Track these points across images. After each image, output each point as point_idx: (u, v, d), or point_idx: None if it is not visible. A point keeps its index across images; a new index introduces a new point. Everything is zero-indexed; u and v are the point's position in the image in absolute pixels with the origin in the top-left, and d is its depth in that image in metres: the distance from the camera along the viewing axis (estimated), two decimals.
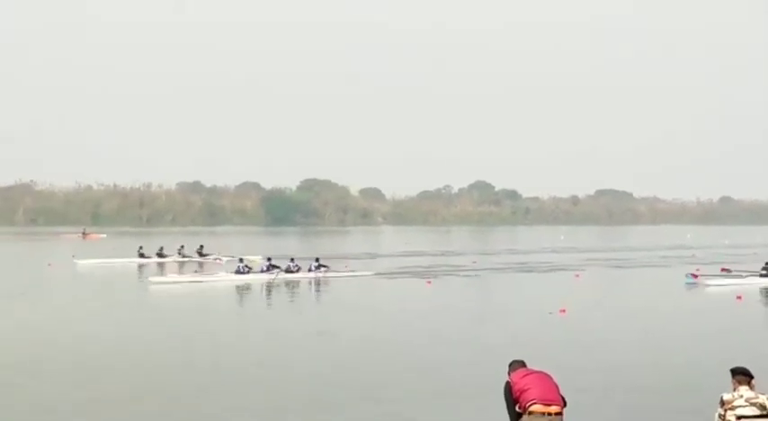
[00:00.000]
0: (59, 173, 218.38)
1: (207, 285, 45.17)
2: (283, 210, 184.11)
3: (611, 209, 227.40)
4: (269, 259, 49.81)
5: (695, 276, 46.34)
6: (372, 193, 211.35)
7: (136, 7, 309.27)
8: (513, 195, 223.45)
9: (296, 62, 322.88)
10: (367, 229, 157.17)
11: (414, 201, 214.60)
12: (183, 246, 66.07)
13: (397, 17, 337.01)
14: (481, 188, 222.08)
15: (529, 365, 11.65)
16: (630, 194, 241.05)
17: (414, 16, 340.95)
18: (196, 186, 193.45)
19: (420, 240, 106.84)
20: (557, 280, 51.23)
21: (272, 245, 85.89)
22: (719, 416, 11.19)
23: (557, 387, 11.15)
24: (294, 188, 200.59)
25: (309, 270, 49.51)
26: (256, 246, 79.78)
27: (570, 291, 42.82)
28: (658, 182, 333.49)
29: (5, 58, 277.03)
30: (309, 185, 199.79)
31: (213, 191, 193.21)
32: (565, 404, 11.08)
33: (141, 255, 63.09)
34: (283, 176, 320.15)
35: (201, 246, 66.79)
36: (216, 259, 62.18)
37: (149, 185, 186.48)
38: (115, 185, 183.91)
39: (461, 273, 53.93)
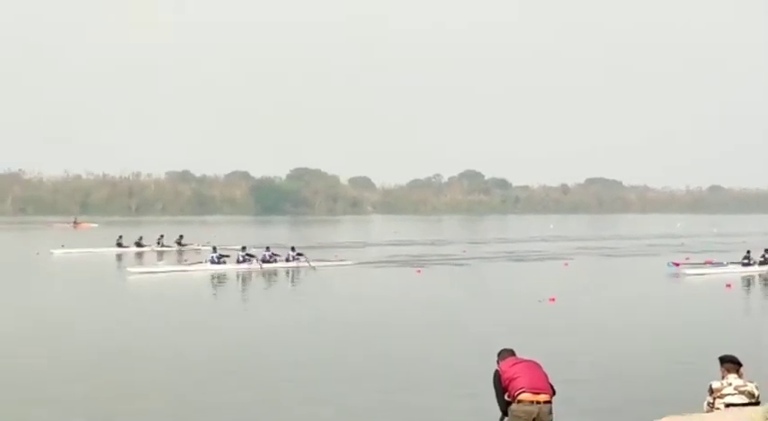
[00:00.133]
0: (48, 162, 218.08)
1: (183, 275, 44.66)
2: (273, 199, 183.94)
3: (601, 197, 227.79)
4: (243, 248, 49.22)
5: (677, 264, 46.41)
6: (362, 182, 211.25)
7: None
8: (502, 184, 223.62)
9: (285, 52, 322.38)
10: (357, 218, 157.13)
11: (403, 190, 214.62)
12: (162, 236, 65.57)
13: (395, 14, 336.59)
14: (471, 177, 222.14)
15: (518, 354, 11.63)
16: (620, 183, 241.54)
17: (412, 15, 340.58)
18: (185, 175, 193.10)
19: (410, 229, 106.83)
20: (546, 268, 51.30)
21: (260, 234, 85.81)
22: (708, 403, 11.19)
23: (545, 375, 11.14)
24: (284, 177, 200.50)
25: (287, 260, 48.94)
26: (245, 235, 79.57)
27: (559, 280, 42.88)
28: (648, 170, 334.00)
29: None
30: (299, 174, 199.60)
31: (202, 180, 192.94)
32: (554, 392, 11.07)
33: (119, 245, 62.65)
34: (273, 165, 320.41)
35: (181, 236, 66.16)
36: (196, 249, 61.79)
37: (138, 175, 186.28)
38: (104, 175, 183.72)
39: (451, 262, 53.95)
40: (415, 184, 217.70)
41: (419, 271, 46.85)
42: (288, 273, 46.48)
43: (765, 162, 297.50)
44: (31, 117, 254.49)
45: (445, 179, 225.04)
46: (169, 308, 32.19)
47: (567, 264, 52.16)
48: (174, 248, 63.59)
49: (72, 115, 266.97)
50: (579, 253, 62.76)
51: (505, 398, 11.01)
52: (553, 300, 32.51)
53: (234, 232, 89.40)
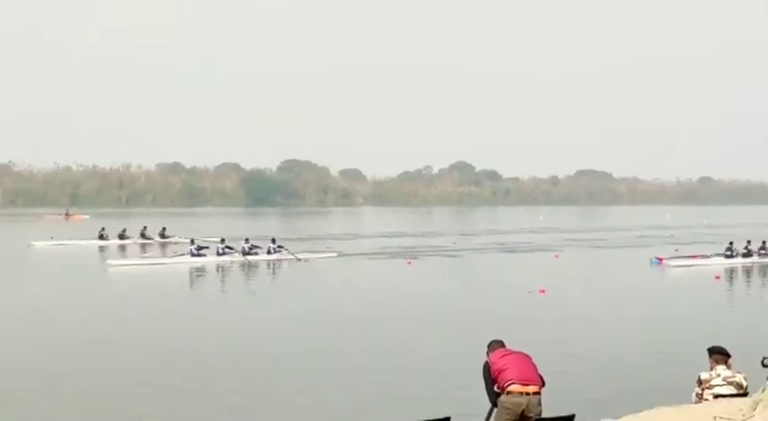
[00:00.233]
0: (38, 154, 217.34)
1: (163, 267, 44.45)
2: (263, 190, 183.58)
3: (591, 189, 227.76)
4: (223, 240, 48.72)
5: (660, 260, 46.30)
6: (353, 174, 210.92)
7: None
8: (493, 176, 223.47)
9: (275, 46, 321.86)
10: (347, 210, 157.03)
11: (394, 182, 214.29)
12: (145, 228, 65.03)
13: (384, 7, 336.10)
14: (462, 169, 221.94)
15: (508, 345, 11.64)
16: (610, 175, 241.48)
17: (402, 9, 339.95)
18: (175, 167, 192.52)
19: (400, 221, 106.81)
20: (536, 260, 51.39)
21: (250, 226, 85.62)
22: (697, 394, 11.23)
23: (535, 367, 11.16)
24: (274, 169, 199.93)
25: (269, 252, 48.50)
26: (234, 227, 79.40)
27: (549, 271, 42.98)
28: (638, 162, 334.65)
29: None
30: (289, 166, 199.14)
31: (193, 172, 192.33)
32: (543, 384, 11.09)
33: (102, 237, 62.24)
34: (263, 157, 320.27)
35: (164, 228, 65.62)
36: (179, 241, 61.26)
37: (129, 166, 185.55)
38: (94, 166, 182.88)
39: (442, 254, 53.99)
40: (406, 176, 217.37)
41: (410, 262, 46.89)
42: (269, 265, 46.22)
43: (755, 154, 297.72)
44: (21, 109, 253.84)
45: (436, 171, 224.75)
46: (148, 300, 32.02)
47: (557, 256, 52.26)
48: (157, 240, 63.10)
49: (62, 107, 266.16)
50: (569, 244, 62.87)
51: (495, 389, 11.02)
52: (543, 291, 32.59)
53: (224, 224, 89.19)
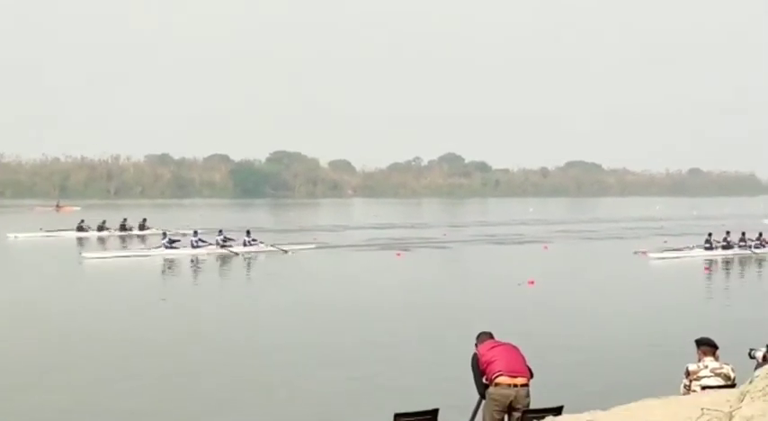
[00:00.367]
0: (26, 145, 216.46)
1: (137, 260, 43.86)
2: (252, 182, 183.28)
3: (581, 180, 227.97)
4: (195, 232, 48.28)
5: (644, 253, 46.22)
6: (342, 166, 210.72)
7: None
8: (483, 167, 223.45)
9: (265, 34, 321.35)
10: (337, 202, 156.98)
11: (384, 174, 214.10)
12: (125, 220, 64.29)
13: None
14: (451, 160, 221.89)
15: (497, 337, 11.63)
16: (600, 166, 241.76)
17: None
18: (164, 158, 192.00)
19: (390, 212, 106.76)
20: (525, 251, 51.45)
21: (238, 217, 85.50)
22: (685, 386, 11.23)
23: (523, 359, 11.15)
24: (263, 160, 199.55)
25: (244, 244, 47.85)
26: (222, 218, 79.17)
27: (539, 263, 43.04)
28: (628, 154, 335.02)
29: None
30: (279, 157, 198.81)
31: (182, 163, 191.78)
32: (531, 375, 11.09)
33: (81, 229, 61.82)
34: (252, 148, 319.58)
35: (144, 220, 64.59)
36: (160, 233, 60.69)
37: (117, 157, 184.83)
38: (83, 158, 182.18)
39: (431, 246, 54.00)
40: (396, 168, 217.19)
41: (399, 254, 46.87)
42: (243, 257, 45.62)
43: (744, 146, 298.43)
44: (8, 100, 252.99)
45: (425, 162, 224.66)
46: (119, 293, 31.63)
47: (546, 248, 52.32)
48: (136, 232, 62.37)
49: (50, 98, 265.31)
50: (558, 236, 62.96)
51: (483, 381, 11.02)
52: (532, 283, 32.63)
53: (212, 215, 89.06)
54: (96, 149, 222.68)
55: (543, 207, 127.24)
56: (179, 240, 47.69)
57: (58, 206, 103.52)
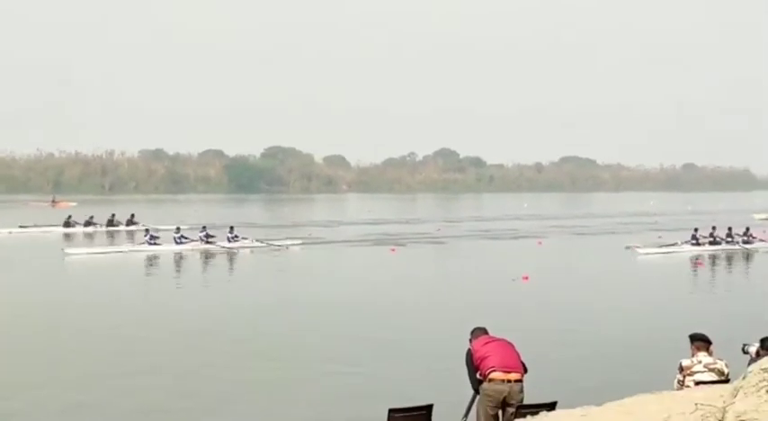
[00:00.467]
0: (20, 140, 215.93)
1: (119, 256, 43.33)
2: (247, 177, 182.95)
3: (575, 176, 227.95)
4: (178, 229, 47.61)
5: (636, 248, 46.20)
6: (337, 161, 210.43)
7: None
8: (477, 162, 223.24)
9: (258, 29, 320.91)
10: (331, 197, 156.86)
11: (378, 169, 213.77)
12: (113, 215, 63.64)
13: None
14: (446, 155, 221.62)
15: (491, 332, 11.64)
16: (594, 161, 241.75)
17: None
18: (159, 154, 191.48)
19: (384, 208, 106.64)
20: (520, 247, 51.43)
21: (233, 213, 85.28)
22: (678, 381, 11.26)
23: (517, 354, 11.17)
24: (258, 155, 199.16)
25: (228, 240, 47.22)
26: (216, 214, 79.08)
27: (533, 259, 43.05)
28: (622, 149, 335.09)
29: None
30: (273, 153, 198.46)
31: (176, 158, 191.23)
32: (525, 371, 11.10)
33: (67, 224, 61.24)
34: (247, 144, 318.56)
35: (132, 215, 63.86)
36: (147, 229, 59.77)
37: (112, 153, 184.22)
38: (77, 153, 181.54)
39: (426, 241, 54.00)
40: (390, 163, 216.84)
41: (393, 249, 46.85)
42: (227, 254, 45.09)
43: (738, 141, 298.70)
44: (2, 95, 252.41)
45: (420, 158, 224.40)
46: (99, 289, 31.43)
47: (540, 243, 52.34)
48: (123, 228, 61.58)
49: (45, 92, 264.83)
50: (553, 231, 62.96)
51: (477, 376, 11.03)
52: (526, 278, 32.64)
53: (207, 211, 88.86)
54: (90, 144, 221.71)
55: (538, 202, 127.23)
56: (158, 237, 46.79)
57: (53, 201, 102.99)
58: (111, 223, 62.76)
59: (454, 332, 18.52)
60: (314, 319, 24.17)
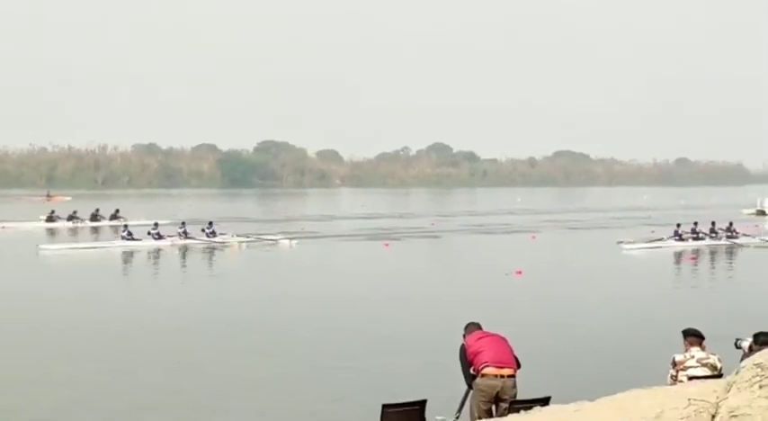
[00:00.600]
0: (13, 134, 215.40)
1: (97, 252, 42.82)
2: (240, 171, 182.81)
3: (568, 170, 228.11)
4: (156, 225, 47.21)
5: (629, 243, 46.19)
6: (330, 155, 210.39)
7: None
8: (471, 157, 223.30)
9: (253, 23, 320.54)
10: (324, 192, 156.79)
11: (372, 164, 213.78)
12: (98, 210, 63.06)
13: None
14: (439, 150, 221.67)
15: (485, 327, 11.65)
16: (587, 156, 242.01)
17: None
18: (152, 148, 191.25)
19: (378, 202, 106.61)
20: (513, 241, 51.47)
21: (226, 207, 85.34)
22: (671, 376, 11.26)
23: (511, 350, 11.17)
24: (251, 150, 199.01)
25: (207, 235, 46.62)
26: (208, 208, 79.02)
27: (526, 253, 43.07)
28: (615, 143, 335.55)
29: None
30: (266, 147, 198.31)
31: (169, 153, 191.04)
32: (519, 366, 11.11)
33: (50, 219, 60.69)
34: (240, 138, 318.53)
35: (117, 210, 62.87)
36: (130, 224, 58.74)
37: (105, 147, 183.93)
38: (70, 147, 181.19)
39: (419, 236, 54.01)
40: (384, 158, 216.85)
41: (387, 244, 46.83)
42: (205, 249, 44.54)
43: (731, 135, 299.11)
44: None
45: (413, 152, 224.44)
46: (70, 285, 31.12)
47: (534, 237, 52.36)
48: (108, 223, 60.62)
49: (37, 87, 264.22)
50: (546, 226, 63.01)
51: (471, 371, 11.04)
52: (520, 272, 32.64)
53: (200, 205, 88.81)
54: (83, 139, 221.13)
55: (531, 197, 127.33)
56: (131, 233, 45.73)
57: (48, 196, 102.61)
58: (94, 218, 62.14)
59: (447, 327, 18.53)
60: (306, 314, 24.14)
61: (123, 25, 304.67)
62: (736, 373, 7.57)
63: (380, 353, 18.93)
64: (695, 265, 39.34)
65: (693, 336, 11.38)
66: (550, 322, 22.82)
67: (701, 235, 47.01)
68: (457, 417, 11.29)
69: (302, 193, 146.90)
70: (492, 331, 11.54)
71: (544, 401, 10.76)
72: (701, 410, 7.61)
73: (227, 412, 14.62)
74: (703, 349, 11.32)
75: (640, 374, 12.80)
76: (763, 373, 7.25)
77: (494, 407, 10.93)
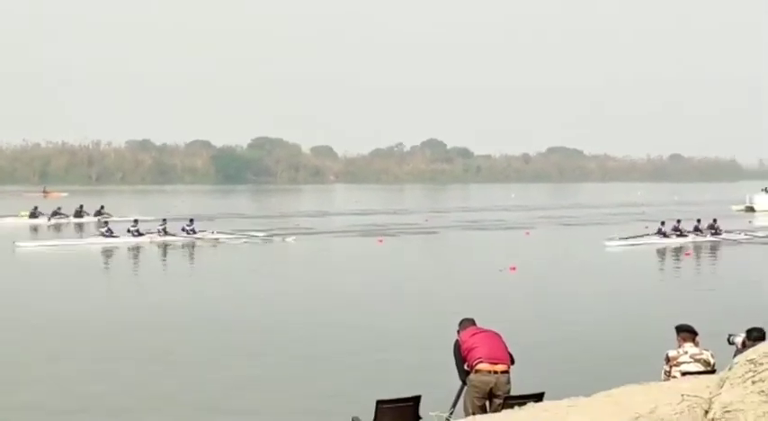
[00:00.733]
0: (6, 130, 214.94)
1: (74, 249, 42.41)
2: (234, 168, 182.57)
3: (562, 166, 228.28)
4: (135, 221, 46.72)
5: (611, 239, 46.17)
6: (324, 152, 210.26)
7: None
8: (465, 153, 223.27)
9: (248, 20, 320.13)
10: (319, 188, 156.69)
11: (366, 160, 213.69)
12: (81, 206, 62.83)
13: None
14: (433, 146, 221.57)
15: (479, 323, 11.65)
16: (581, 152, 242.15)
17: None
18: (145, 144, 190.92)
19: (372, 198, 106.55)
20: (507, 237, 51.50)
21: (220, 204, 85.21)
22: (665, 372, 11.29)
23: (505, 345, 11.19)
24: (245, 146, 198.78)
25: (187, 233, 46.23)
26: (202, 205, 78.95)
27: (520, 249, 43.10)
28: (609, 139, 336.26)
29: None
30: (260, 143, 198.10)
31: (163, 149, 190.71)
32: (513, 362, 11.13)
33: (33, 216, 60.09)
34: (234, 134, 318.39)
35: (102, 207, 62.79)
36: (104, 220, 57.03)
37: (98, 143, 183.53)
38: (63, 143, 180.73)
39: (413, 232, 54.01)
40: (378, 154, 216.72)
41: (381, 240, 46.83)
42: (184, 246, 44.26)
43: (725, 131, 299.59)
44: None
45: (407, 148, 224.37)
46: (51, 283, 30.80)
47: (527, 234, 52.41)
48: (92, 219, 60.31)
49: (31, 83, 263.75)
50: (540, 222, 63.05)
51: (465, 367, 11.06)
52: (514, 268, 32.67)
53: (193, 202, 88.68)
54: (77, 135, 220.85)
55: (525, 193, 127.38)
56: (111, 230, 45.38)
57: (44, 192, 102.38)
58: (78, 214, 61.77)
59: (441, 323, 18.57)
60: (298, 310, 24.15)
61: (121, 23, 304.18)
62: (730, 369, 7.59)
63: (374, 349, 18.94)
64: (686, 262, 39.40)
65: (686, 332, 11.41)
66: (544, 318, 22.85)
67: (684, 232, 47.09)
68: (451, 413, 11.29)
69: (296, 190, 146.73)
70: (486, 327, 11.55)
71: (538, 397, 10.77)
72: (695, 406, 7.63)
73: (221, 410, 14.61)
74: (696, 345, 11.35)
75: (634, 370, 12.83)
76: (756, 369, 7.27)
77: (488, 403, 10.94)
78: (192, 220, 47.76)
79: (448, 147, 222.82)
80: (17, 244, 42.77)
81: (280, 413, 14.48)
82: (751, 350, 7.73)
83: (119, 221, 51.96)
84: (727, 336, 11.84)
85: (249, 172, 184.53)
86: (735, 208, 79.76)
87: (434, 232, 54.17)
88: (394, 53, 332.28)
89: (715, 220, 48.88)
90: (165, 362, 17.59)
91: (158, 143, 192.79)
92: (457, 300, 24.53)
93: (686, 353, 11.25)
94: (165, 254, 41.66)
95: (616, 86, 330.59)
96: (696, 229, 47.77)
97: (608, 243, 43.74)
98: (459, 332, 11.48)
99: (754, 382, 7.17)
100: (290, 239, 46.21)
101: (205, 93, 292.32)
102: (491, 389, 10.84)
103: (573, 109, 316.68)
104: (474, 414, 10.93)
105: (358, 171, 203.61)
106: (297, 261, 38.28)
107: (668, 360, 11.30)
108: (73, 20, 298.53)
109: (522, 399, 10.64)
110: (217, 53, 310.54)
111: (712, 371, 10.78)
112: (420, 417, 11.04)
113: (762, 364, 7.24)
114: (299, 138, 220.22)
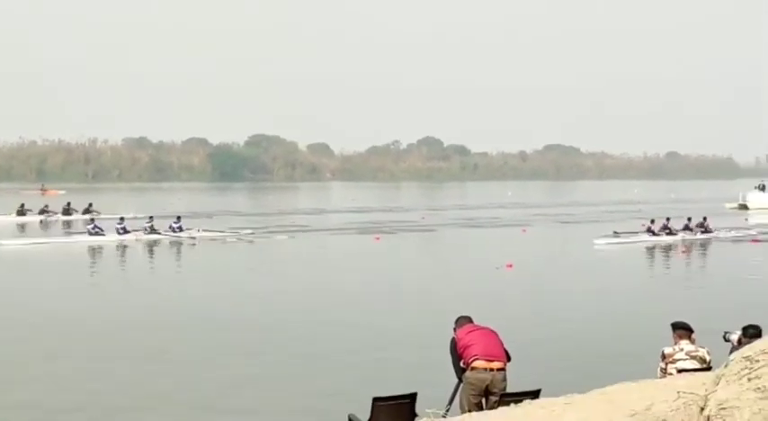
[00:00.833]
0: (3, 128, 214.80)
1: (57, 247, 42.17)
2: (231, 165, 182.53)
3: (559, 164, 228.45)
4: (122, 219, 46.31)
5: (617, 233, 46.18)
6: (321, 149, 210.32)
7: None
8: (461, 151, 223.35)
9: (246, 18, 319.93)
10: (315, 185, 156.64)
11: (362, 157, 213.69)
12: (69, 204, 62.66)
13: None
14: (430, 143, 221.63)
15: (475, 320, 11.65)
16: (578, 149, 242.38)
17: None
18: (142, 142, 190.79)
19: (368, 196, 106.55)
20: (504, 235, 51.48)
21: (216, 201, 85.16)
22: (661, 369, 11.29)
23: (501, 343, 11.18)
24: (242, 143, 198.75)
25: (173, 231, 45.98)
26: (198, 202, 78.87)
27: (517, 246, 43.08)
28: (606, 137, 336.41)
29: None
30: (257, 141, 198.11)
31: (160, 146, 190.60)
32: (509, 359, 11.13)
33: (20, 213, 60.03)
34: (231, 132, 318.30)
35: (90, 204, 62.55)
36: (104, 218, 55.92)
37: (95, 141, 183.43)
38: (60, 141, 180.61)
39: (410, 229, 53.99)
40: (374, 151, 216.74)
41: (378, 238, 46.81)
42: (171, 244, 44.02)
43: (721, 129, 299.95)
44: None
45: (404, 146, 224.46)
46: (34, 281, 30.70)
47: (524, 231, 52.41)
48: (80, 217, 59.96)
49: (28, 81, 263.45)
50: (537, 219, 63.05)
51: (461, 365, 11.06)
52: (510, 266, 32.68)
53: (190, 199, 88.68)
54: (73, 132, 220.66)
55: (522, 190, 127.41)
56: (98, 228, 45.01)
57: (43, 189, 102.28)
58: (66, 212, 61.55)
59: (438, 320, 18.55)
60: (295, 309, 24.12)
61: (120, 23, 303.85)
62: (725, 366, 7.59)
63: (371, 346, 18.93)
64: (677, 259, 39.39)
65: (682, 329, 11.41)
66: (541, 315, 22.86)
67: (673, 230, 47.09)
68: (447, 410, 11.29)
69: (293, 187, 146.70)
70: (482, 324, 11.55)
71: (534, 394, 10.77)
72: (690, 403, 7.63)
73: (218, 409, 14.59)
74: (692, 342, 11.35)
75: (630, 367, 12.84)
76: (751, 366, 7.27)
77: (484, 401, 10.94)
78: (179, 218, 47.35)
79: (445, 144, 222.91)
80: (0, 242, 42.23)
81: (277, 412, 14.46)
82: (747, 347, 7.73)
83: (107, 219, 51.59)
84: (723, 334, 11.84)
85: (246, 169, 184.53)
86: (728, 206, 79.84)
87: (431, 230, 54.15)
88: (391, 52, 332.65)
89: (705, 218, 48.91)
90: (161, 361, 17.53)
91: (155, 141, 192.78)
92: (453, 298, 24.51)
93: (682, 350, 11.25)
94: (152, 252, 41.41)
95: (614, 86, 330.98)
96: (686, 228, 47.84)
97: (597, 241, 43.61)
98: (455, 329, 11.48)
99: (749, 379, 7.18)
100: (280, 238, 45.98)
101: (202, 91, 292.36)
102: (487, 387, 10.84)
103: (571, 108, 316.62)
104: (470, 411, 10.92)
105: (355, 168, 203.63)
106: (293, 259, 38.25)
107: (664, 357, 11.30)
108: (72, 19, 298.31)
109: (519, 397, 10.64)
110: (214, 52, 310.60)
111: (708, 369, 10.78)
112: (416, 415, 11.04)
113: (758, 361, 7.24)
114: (297, 136, 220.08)
